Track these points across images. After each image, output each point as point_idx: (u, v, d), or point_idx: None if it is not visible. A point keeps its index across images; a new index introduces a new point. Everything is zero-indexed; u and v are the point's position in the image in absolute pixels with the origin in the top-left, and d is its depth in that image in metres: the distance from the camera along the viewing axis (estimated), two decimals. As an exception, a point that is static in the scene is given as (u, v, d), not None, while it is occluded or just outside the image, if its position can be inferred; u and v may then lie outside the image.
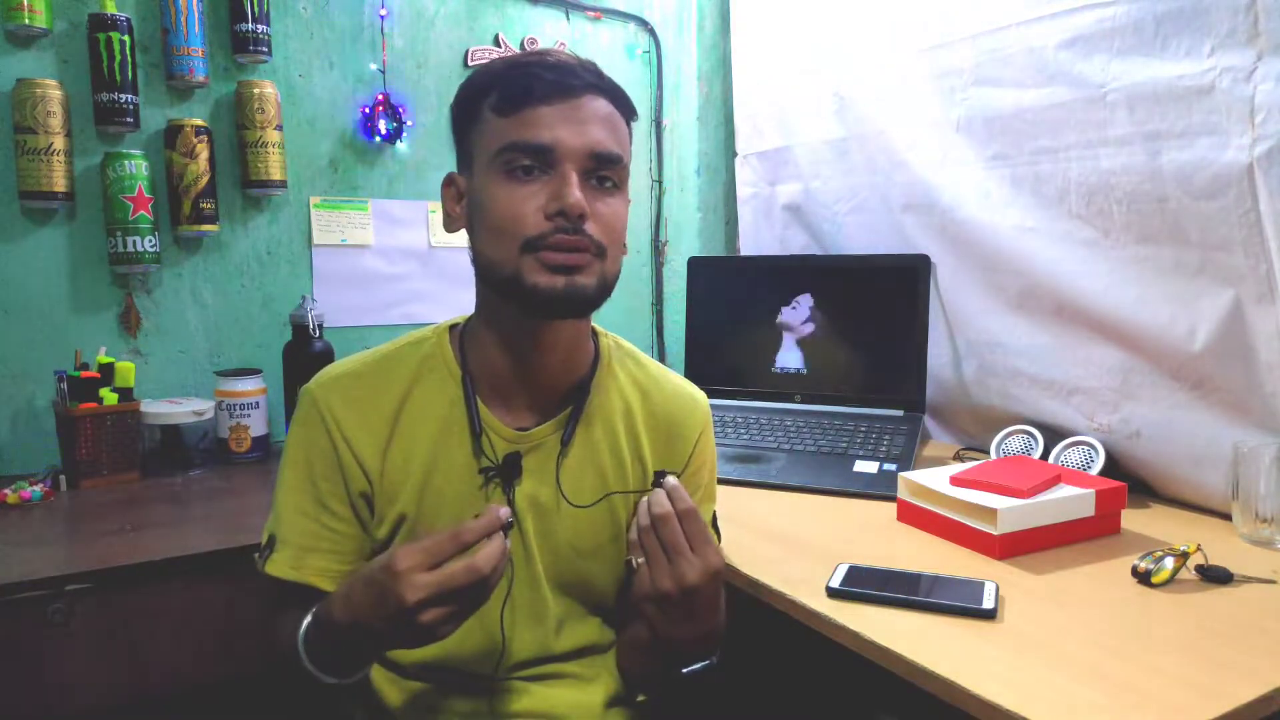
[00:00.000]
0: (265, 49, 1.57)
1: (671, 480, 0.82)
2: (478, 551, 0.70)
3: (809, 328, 1.62)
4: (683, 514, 0.80)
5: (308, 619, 0.79)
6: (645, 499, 0.83)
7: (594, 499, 0.91)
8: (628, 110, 0.88)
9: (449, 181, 0.90)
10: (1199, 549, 1.00)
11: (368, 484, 0.88)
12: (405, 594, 0.68)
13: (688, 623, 0.82)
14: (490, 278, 0.85)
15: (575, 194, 0.80)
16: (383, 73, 1.72)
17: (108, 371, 1.41)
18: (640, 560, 0.81)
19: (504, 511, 0.73)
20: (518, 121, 0.81)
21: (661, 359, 2.11)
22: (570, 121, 0.81)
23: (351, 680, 0.80)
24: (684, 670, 0.86)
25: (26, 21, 1.38)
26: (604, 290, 0.85)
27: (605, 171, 0.84)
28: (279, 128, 1.59)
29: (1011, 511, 1.04)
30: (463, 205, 0.88)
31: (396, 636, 0.74)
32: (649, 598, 0.81)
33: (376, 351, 0.94)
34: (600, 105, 0.84)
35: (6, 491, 1.26)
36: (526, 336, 0.88)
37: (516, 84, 0.82)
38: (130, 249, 1.47)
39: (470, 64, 1.82)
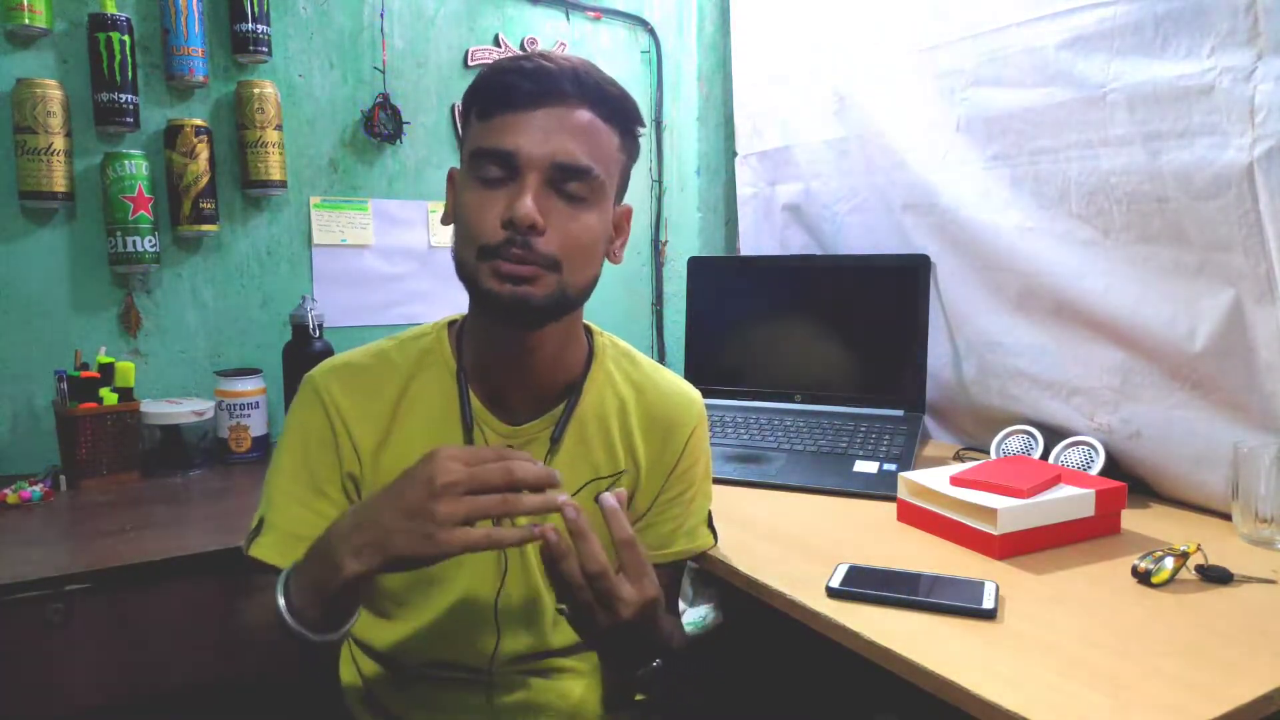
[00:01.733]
0: (265, 49, 1.57)
1: (609, 501, 0.76)
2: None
3: (809, 329, 1.62)
4: (620, 544, 0.75)
5: (289, 569, 0.74)
6: (564, 546, 0.74)
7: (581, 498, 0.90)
8: (622, 119, 0.86)
9: (450, 176, 0.91)
10: (1199, 549, 1.00)
11: (359, 466, 0.88)
12: (437, 473, 0.68)
13: (632, 644, 0.81)
14: (460, 276, 0.86)
15: (526, 204, 0.78)
16: (383, 73, 1.72)
17: (108, 371, 1.41)
18: (564, 608, 0.77)
19: (557, 474, 0.71)
20: (489, 127, 0.82)
21: (661, 359, 2.11)
22: (537, 129, 0.80)
23: (336, 636, 0.73)
24: (636, 673, 0.86)
25: (26, 21, 1.38)
26: (561, 302, 0.83)
27: (571, 184, 0.81)
28: (279, 128, 1.59)
29: (1011, 511, 1.04)
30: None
31: (401, 531, 0.68)
32: (588, 636, 0.80)
33: (377, 345, 0.94)
34: (578, 114, 0.82)
35: (6, 491, 1.26)
36: (510, 335, 0.88)
37: (494, 89, 0.82)
38: (130, 249, 1.47)
39: (470, 64, 1.82)
